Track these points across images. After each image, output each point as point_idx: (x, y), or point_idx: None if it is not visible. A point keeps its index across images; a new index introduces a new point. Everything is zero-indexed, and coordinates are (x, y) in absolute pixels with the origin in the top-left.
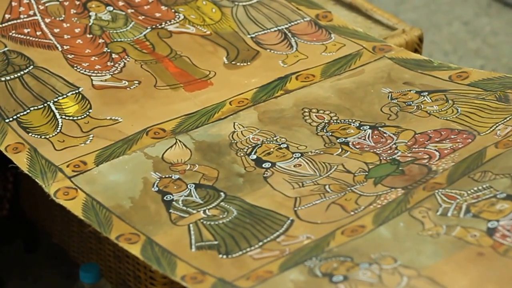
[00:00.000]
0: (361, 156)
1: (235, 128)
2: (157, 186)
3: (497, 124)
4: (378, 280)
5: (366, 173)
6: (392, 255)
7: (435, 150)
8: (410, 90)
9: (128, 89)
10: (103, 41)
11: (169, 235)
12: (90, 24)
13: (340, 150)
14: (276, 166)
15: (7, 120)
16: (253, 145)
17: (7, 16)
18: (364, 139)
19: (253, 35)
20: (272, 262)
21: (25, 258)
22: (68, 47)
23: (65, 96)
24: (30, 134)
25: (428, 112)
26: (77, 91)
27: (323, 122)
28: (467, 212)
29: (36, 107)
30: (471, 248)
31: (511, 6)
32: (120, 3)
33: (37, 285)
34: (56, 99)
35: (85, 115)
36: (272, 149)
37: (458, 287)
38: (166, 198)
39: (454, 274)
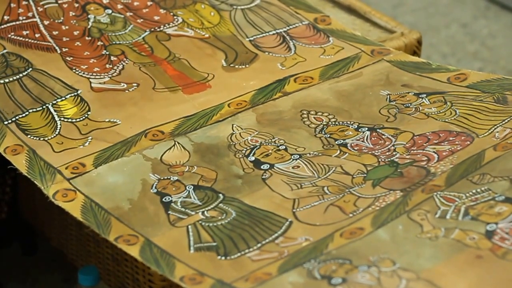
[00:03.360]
0: (359, 158)
1: (233, 130)
2: (155, 187)
3: (495, 126)
4: (377, 282)
5: (365, 175)
6: (391, 258)
7: (434, 152)
8: (408, 92)
9: (126, 91)
10: (101, 43)
11: (168, 237)
12: (89, 26)
13: (338, 152)
14: (275, 167)
15: (6, 122)
16: (252, 146)
17: (6, 17)
18: (362, 141)
19: (252, 38)
20: (270, 263)
21: (23, 261)
22: (66, 49)
23: (63, 98)
24: (29, 136)
25: (427, 114)
26: (75, 93)
27: (321, 124)
28: (465, 214)
29: (35, 110)
30: (470, 251)
31: (509, 9)
32: (119, 6)
33: None
34: (55, 102)
35: (83, 117)
36: (270, 151)
37: None
38: (165, 199)
39: (453, 277)
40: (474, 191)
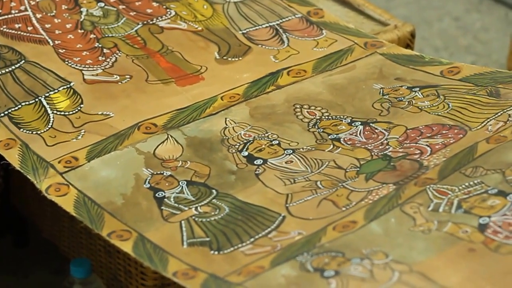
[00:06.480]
0: (352, 152)
1: (226, 124)
2: (148, 182)
3: (488, 119)
4: (369, 275)
5: (358, 169)
6: (383, 251)
7: (427, 145)
8: (401, 86)
9: (119, 83)
10: (94, 36)
11: (161, 232)
12: (81, 19)
13: (331, 146)
14: (268, 162)
15: None
16: (245, 141)
17: None
18: (355, 135)
19: (245, 31)
20: (263, 257)
21: (15, 253)
22: (59, 42)
23: (56, 91)
24: (21, 129)
25: (420, 107)
26: (68, 85)
27: (314, 118)
28: (458, 207)
29: (27, 102)
30: (463, 244)
31: (501, 2)
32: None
33: (27, 280)
34: (47, 94)
35: (76, 110)
36: (263, 146)
37: (450, 283)
38: (158, 195)
39: (446, 270)
40: (467, 184)
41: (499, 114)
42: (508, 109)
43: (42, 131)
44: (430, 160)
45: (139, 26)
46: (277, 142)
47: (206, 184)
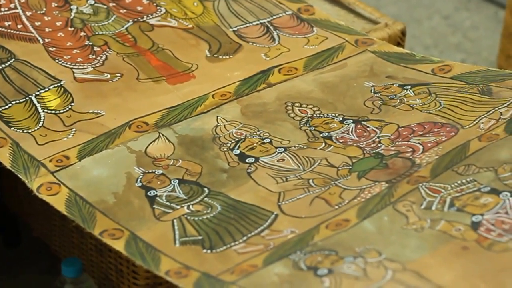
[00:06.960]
0: (344, 150)
1: (218, 122)
2: (140, 181)
3: (480, 117)
4: (362, 273)
5: (350, 167)
6: (376, 249)
7: (419, 143)
8: (393, 84)
9: (110, 81)
10: (84, 34)
11: (153, 231)
12: (71, 17)
13: (323, 144)
14: (260, 161)
15: None
16: (236, 139)
17: None
18: (347, 133)
19: (235, 29)
20: (256, 256)
21: (6, 252)
22: (49, 40)
23: (47, 89)
24: (12, 128)
25: (411, 105)
26: (59, 84)
27: (306, 116)
28: (451, 205)
29: (18, 101)
30: (456, 242)
31: (490, 1)
32: None
33: (18, 279)
34: (38, 93)
35: (67, 109)
36: (255, 144)
37: (443, 281)
38: (150, 193)
39: (439, 268)
40: (459, 182)
41: (491, 112)
42: (500, 107)
43: (33, 129)
44: (423, 158)
45: (129, 23)
46: (269, 140)
47: (198, 182)
